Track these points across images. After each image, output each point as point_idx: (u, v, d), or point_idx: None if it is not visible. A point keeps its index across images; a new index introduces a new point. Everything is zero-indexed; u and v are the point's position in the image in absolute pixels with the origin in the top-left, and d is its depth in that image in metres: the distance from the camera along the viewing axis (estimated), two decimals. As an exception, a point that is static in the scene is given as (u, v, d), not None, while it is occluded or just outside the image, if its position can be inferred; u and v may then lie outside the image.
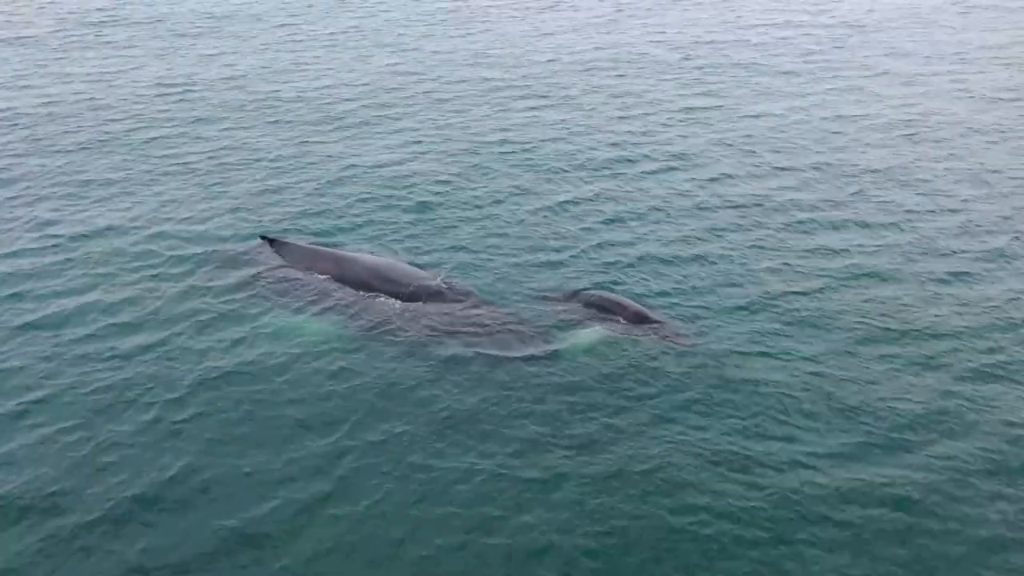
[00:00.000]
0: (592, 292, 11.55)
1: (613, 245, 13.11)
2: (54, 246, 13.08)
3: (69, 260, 12.66)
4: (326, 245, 12.99)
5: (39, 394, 9.69)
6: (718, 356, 10.28)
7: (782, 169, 15.93)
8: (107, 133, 17.79)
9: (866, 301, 11.49)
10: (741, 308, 11.34)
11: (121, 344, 10.61)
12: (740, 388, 9.72)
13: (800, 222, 13.84)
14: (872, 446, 8.87)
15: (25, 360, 10.31)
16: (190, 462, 8.66)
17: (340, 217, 14.10)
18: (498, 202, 14.53)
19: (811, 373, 9.99)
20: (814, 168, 15.90)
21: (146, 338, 10.73)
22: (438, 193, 14.85)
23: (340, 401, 9.57)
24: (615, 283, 11.97)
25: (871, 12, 27.18)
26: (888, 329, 10.87)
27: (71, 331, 10.88)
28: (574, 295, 11.53)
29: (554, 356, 10.32)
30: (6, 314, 11.32)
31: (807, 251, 12.88)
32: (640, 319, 10.88)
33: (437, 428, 9.13)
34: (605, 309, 11.12)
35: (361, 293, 11.56)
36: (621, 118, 18.52)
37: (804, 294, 11.66)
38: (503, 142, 17.11)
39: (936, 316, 11.14)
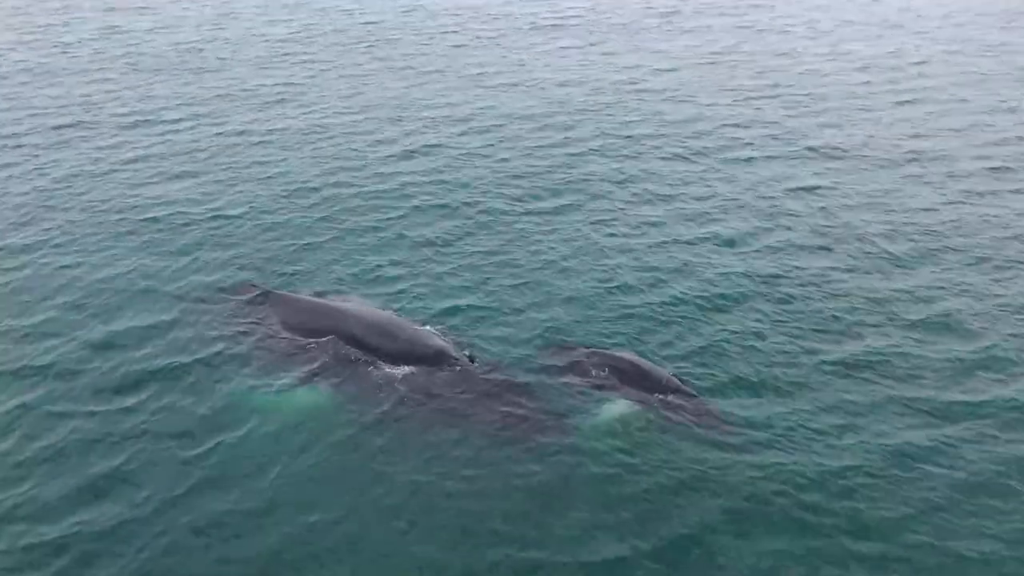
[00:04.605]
0: (614, 354, 10.54)
1: (634, 304, 12.20)
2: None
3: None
4: (320, 296, 12.23)
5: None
6: (763, 453, 9.29)
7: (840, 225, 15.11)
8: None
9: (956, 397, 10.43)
10: (784, 392, 10.35)
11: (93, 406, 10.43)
12: (792, 510, 8.98)
13: (871, 298, 12.70)
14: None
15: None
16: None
17: (333, 265, 13.38)
18: (505, 256, 13.63)
19: (878, 505, 9.18)
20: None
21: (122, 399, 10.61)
22: (444, 244, 14.11)
23: (329, 490, 9.15)
24: (633, 344, 11.03)
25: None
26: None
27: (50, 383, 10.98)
28: (594, 356, 10.51)
29: (575, 435, 9.48)
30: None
31: (870, 339, 11.67)
32: (671, 390, 9.87)
33: (441, 528, 8.71)
34: (629, 375, 10.13)
35: (358, 355, 10.70)
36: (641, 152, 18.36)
37: (866, 379, 10.62)
38: (517, 196, 16.24)
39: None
